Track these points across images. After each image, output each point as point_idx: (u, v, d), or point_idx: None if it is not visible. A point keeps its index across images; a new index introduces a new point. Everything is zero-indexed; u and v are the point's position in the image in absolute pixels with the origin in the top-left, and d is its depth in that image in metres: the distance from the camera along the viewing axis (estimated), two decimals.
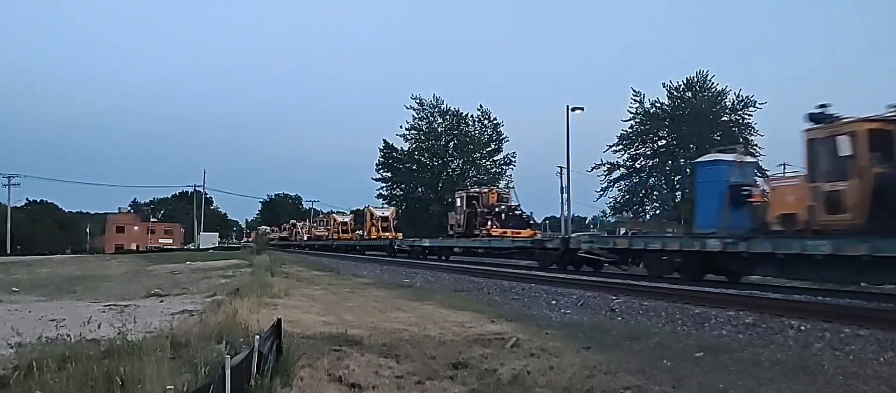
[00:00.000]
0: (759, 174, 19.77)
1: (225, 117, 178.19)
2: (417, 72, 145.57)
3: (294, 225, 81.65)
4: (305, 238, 69.76)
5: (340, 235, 56.08)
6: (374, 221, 47.98)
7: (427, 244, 34.80)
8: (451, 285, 17.46)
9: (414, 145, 65.80)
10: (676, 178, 53.06)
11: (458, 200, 33.82)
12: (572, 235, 27.16)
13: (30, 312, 11.08)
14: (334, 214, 62.29)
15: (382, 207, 53.95)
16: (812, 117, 12.87)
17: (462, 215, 32.27)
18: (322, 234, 63.10)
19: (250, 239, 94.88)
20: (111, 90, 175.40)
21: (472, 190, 34.74)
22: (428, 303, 12.55)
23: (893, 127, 11.92)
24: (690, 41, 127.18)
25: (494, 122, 65.28)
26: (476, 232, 29.94)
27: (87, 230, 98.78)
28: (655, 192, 53.67)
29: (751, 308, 10.04)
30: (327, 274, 23.55)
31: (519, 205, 32.73)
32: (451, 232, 33.81)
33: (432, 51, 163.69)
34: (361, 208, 60.11)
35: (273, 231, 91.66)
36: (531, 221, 32.91)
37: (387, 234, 45.33)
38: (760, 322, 8.98)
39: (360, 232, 52.32)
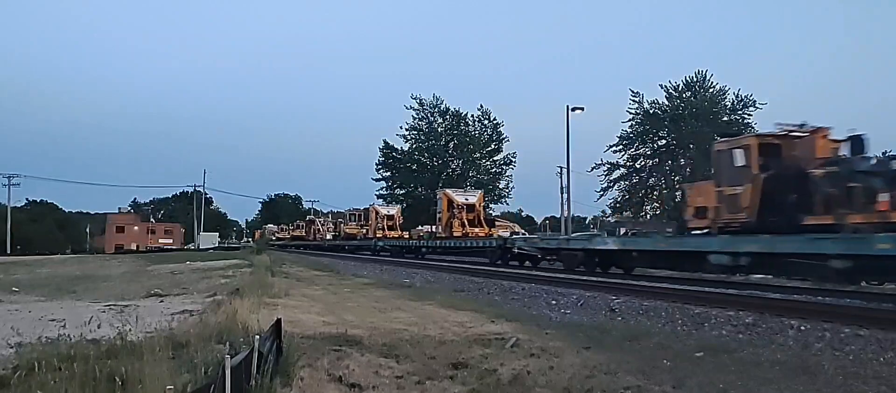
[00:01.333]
0: None
1: (225, 117, 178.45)
2: (417, 72, 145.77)
3: (312, 222, 69.66)
4: (328, 237, 59.45)
5: (386, 232, 43.41)
6: (454, 211, 33.53)
7: (648, 247, 17.55)
8: (450, 285, 17.47)
9: (414, 145, 65.84)
10: (676, 179, 53.11)
11: (736, 152, 14.20)
12: None
13: (30, 312, 11.07)
14: (375, 206, 48.92)
15: (465, 191, 37.59)
16: None
17: (749, 185, 13.59)
18: (354, 232, 51.49)
19: (256, 239, 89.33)
20: (111, 90, 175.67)
21: (771, 133, 14.70)
22: (428, 303, 12.55)
23: None
24: (690, 41, 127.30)
25: (494, 122, 65.42)
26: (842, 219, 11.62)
27: (87, 230, 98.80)
28: (655, 192, 53.71)
29: (751, 308, 10.05)
30: (327, 274, 23.55)
31: None
32: (689, 221, 15.91)
33: (432, 51, 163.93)
34: (433, 197, 42.78)
35: (282, 230, 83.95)
36: None
37: (477, 229, 32.23)
38: (760, 322, 8.99)
39: (430, 228, 39.68)
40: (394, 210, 47.76)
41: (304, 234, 69.98)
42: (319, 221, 67.15)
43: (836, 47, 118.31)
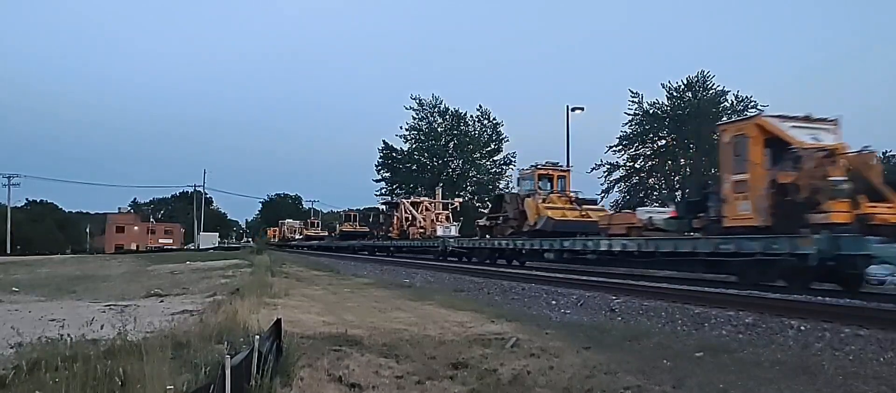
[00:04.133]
0: None
1: (225, 117, 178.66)
2: (417, 71, 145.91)
3: (395, 206, 42.19)
4: (441, 233, 34.03)
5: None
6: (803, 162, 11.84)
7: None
8: (450, 285, 17.46)
9: (414, 145, 65.90)
10: (676, 179, 53.10)
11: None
12: None
13: (30, 312, 11.07)
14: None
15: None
16: None
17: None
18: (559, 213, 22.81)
19: (266, 239, 78.40)
20: (111, 90, 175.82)
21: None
22: (428, 303, 12.55)
23: None
24: (690, 41, 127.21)
25: (494, 122, 65.48)
26: None
27: (87, 230, 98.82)
28: (655, 193, 53.73)
29: (751, 308, 10.04)
30: (327, 274, 23.54)
31: None
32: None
33: (432, 51, 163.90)
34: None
35: (310, 226, 68.69)
36: None
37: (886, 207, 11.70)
38: (760, 322, 8.98)
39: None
40: None
41: (371, 229, 44.67)
42: (410, 205, 40.00)
43: (835, 46, 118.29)
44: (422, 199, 41.86)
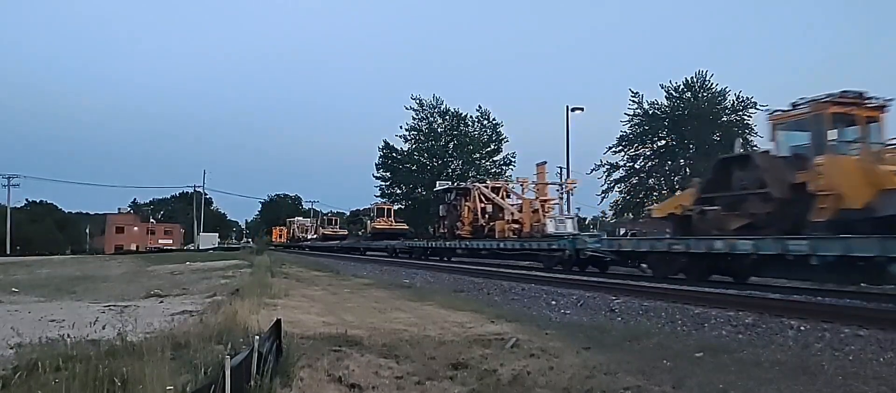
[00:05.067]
0: None
1: (225, 117, 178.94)
2: (417, 72, 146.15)
3: (444, 202, 32.41)
4: (550, 228, 24.50)
5: None
6: None
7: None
8: (450, 286, 17.46)
9: (414, 146, 65.91)
10: (676, 179, 53.12)
11: None
12: None
13: (30, 313, 11.06)
14: None
15: None
16: None
17: None
18: None
19: (278, 238, 74.65)
20: (111, 90, 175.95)
21: None
22: (428, 303, 12.54)
23: None
24: (690, 41, 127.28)
25: (494, 122, 65.46)
26: None
27: (87, 231, 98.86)
28: (655, 193, 53.73)
29: (751, 308, 10.05)
30: (327, 274, 23.49)
31: None
32: None
33: (432, 51, 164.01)
34: None
35: (326, 223, 63.20)
36: None
37: None
38: (760, 322, 8.99)
39: None
40: None
41: (406, 225, 36.95)
42: (490, 191, 30.15)
43: (834, 46, 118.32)
44: (520, 179, 30.61)
